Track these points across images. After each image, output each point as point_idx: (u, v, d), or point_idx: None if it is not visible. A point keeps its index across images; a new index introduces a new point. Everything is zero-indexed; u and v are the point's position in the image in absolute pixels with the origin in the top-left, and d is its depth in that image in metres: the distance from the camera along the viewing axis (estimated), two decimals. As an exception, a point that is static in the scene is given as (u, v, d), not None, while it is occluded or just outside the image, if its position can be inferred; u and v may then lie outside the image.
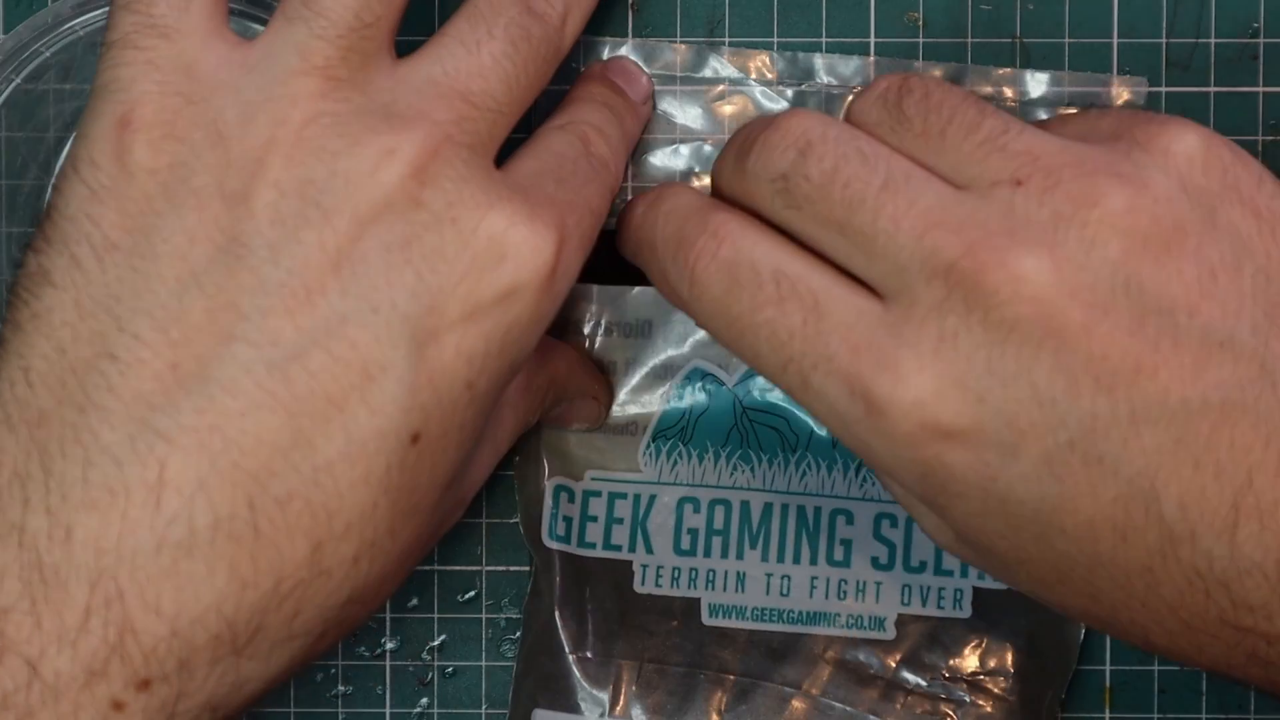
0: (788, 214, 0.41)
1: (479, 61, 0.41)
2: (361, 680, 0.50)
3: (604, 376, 0.50)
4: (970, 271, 0.39)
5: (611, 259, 0.46)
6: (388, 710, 0.50)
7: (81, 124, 0.40)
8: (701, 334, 0.49)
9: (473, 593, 0.50)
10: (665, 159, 0.50)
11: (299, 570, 0.38)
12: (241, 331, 0.38)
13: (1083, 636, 0.49)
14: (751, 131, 0.42)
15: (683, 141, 0.50)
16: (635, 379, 0.50)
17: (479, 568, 0.50)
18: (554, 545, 0.49)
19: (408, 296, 0.39)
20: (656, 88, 0.49)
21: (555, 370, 0.48)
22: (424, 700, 0.50)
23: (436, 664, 0.51)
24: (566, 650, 0.49)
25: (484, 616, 0.50)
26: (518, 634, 0.50)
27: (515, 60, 0.42)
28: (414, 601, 0.50)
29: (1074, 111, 0.48)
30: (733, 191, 0.43)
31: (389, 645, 0.50)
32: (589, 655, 0.49)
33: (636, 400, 0.50)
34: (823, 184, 0.40)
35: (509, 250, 0.40)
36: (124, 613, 0.37)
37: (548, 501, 0.50)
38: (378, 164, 0.39)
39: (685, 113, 0.50)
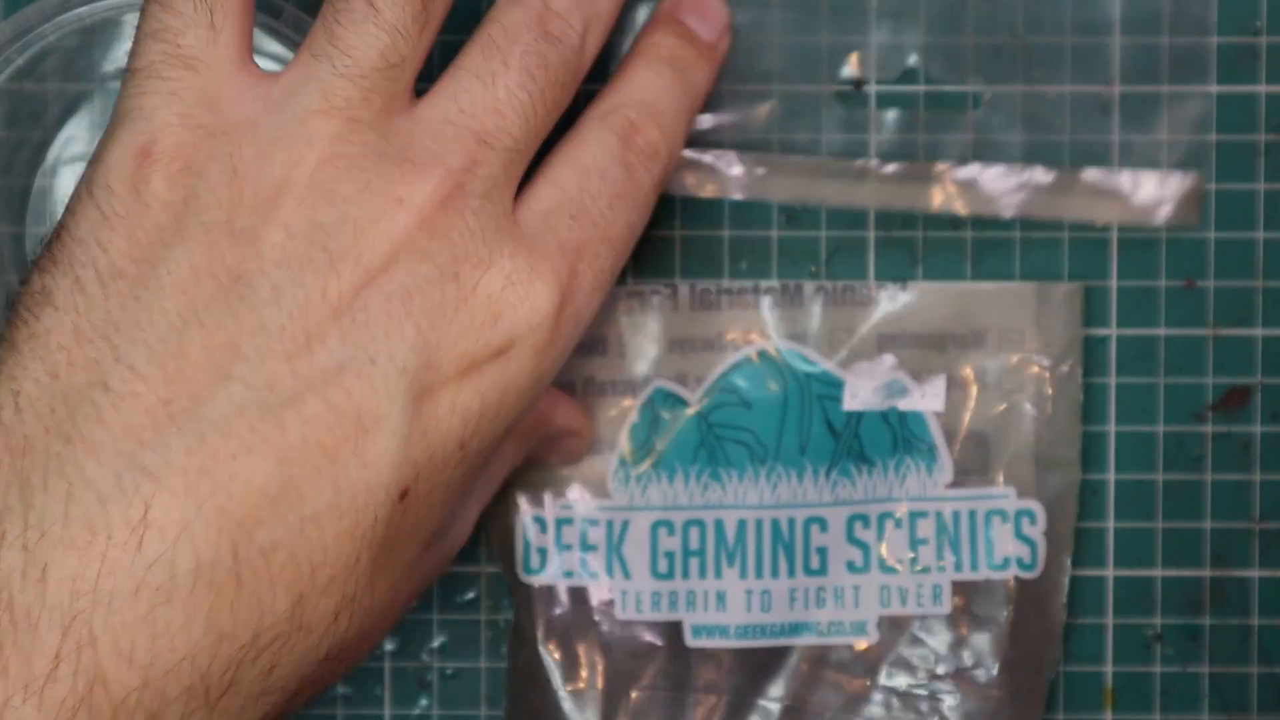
0: None
1: (494, 96, 0.41)
2: (361, 682, 0.50)
3: (586, 412, 0.49)
4: None
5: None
6: (387, 712, 0.50)
7: (99, 148, 0.39)
8: (660, 351, 0.49)
9: (472, 594, 0.50)
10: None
11: (279, 624, 0.37)
12: (238, 372, 0.37)
13: (1064, 622, 0.49)
14: None
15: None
16: (596, 400, 0.49)
17: (479, 569, 0.50)
18: (530, 579, 0.49)
19: (406, 350, 0.38)
20: None
21: (541, 409, 0.47)
22: (424, 702, 0.50)
23: (436, 665, 0.50)
24: (554, 684, 0.49)
25: (483, 618, 0.50)
26: (518, 637, 0.50)
27: (531, 91, 0.41)
28: (413, 603, 0.50)
29: None
30: None
31: (388, 647, 0.50)
32: (577, 687, 0.49)
33: (601, 423, 0.49)
34: None
35: (504, 310, 0.39)
36: (95, 660, 0.35)
37: (519, 535, 0.49)
38: (386, 212, 0.39)
39: None
